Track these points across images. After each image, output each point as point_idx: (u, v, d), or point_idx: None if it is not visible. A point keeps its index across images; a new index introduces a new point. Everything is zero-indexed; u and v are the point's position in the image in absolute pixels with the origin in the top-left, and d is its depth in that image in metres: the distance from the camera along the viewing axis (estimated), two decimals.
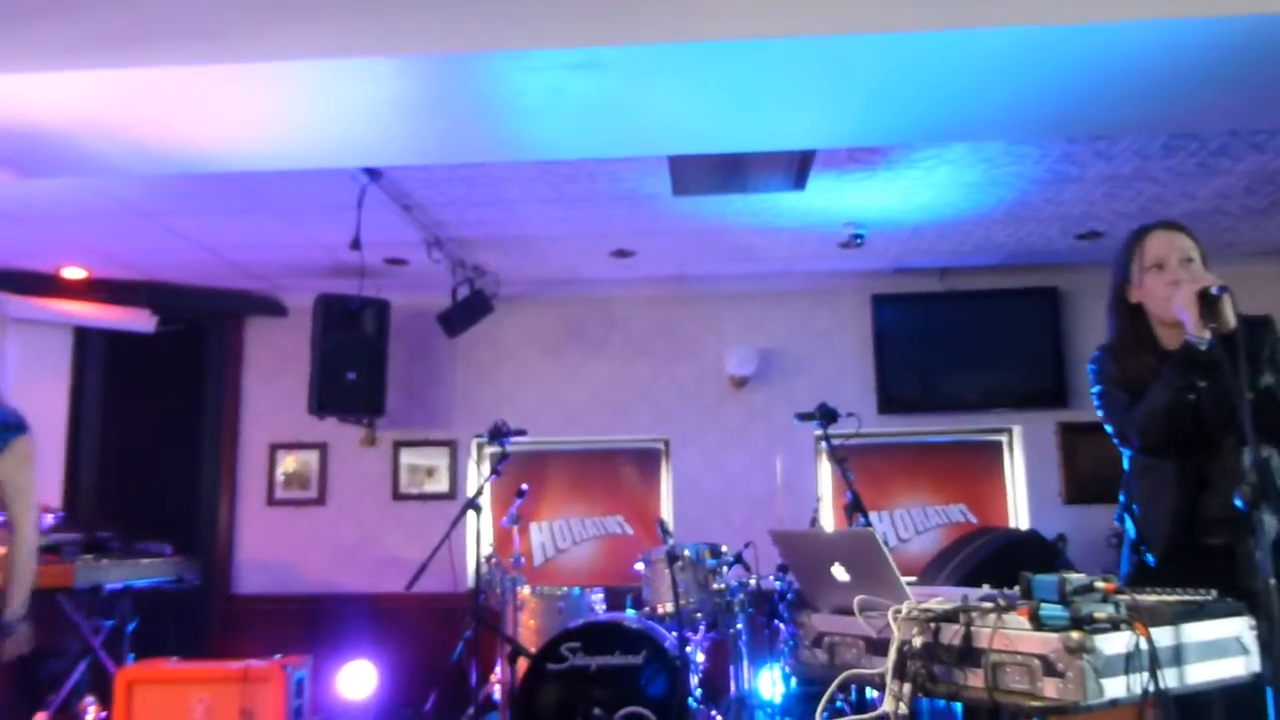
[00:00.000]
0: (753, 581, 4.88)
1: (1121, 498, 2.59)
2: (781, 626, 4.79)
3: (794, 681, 4.74)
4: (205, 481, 6.37)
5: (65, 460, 6.08)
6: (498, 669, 4.89)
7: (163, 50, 2.99)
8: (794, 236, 5.51)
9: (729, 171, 4.44)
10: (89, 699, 5.09)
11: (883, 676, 1.86)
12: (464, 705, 4.85)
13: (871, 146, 4.17)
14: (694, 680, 4.50)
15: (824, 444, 4.54)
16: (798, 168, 4.44)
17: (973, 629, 1.82)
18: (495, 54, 2.96)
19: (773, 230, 5.39)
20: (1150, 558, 2.45)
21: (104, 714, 4.95)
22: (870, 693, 3.39)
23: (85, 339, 6.22)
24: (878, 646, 1.99)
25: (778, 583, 4.86)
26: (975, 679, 1.80)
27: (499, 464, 4.76)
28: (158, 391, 6.40)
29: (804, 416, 4.72)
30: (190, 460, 6.38)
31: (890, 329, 6.28)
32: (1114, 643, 1.71)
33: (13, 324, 5.88)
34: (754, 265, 6.05)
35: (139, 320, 6.10)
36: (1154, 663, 1.71)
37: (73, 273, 5.86)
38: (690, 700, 4.38)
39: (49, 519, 5.01)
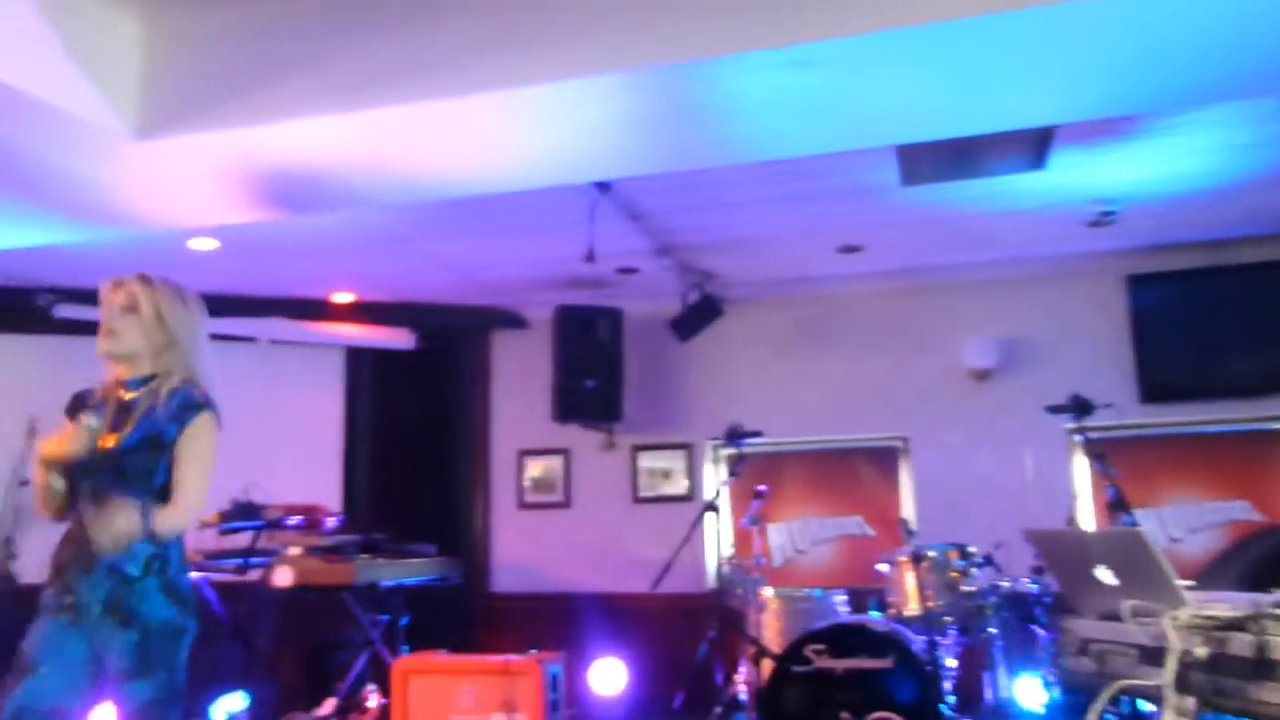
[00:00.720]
0: (1005, 584, 4.64)
1: None
2: (1040, 632, 4.53)
3: (1056, 690, 4.46)
4: (462, 486, 6.79)
5: (342, 468, 6.68)
6: (742, 669, 4.91)
7: (410, 88, 3.23)
8: (1035, 218, 5.20)
9: (961, 156, 4.25)
10: (370, 687, 5.55)
11: (1161, 689, 1.72)
12: (710, 704, 4.91)
13: (1121, 116, 3.87)
14: (945, 686, 4.34)
15: (1079, 437, 4.24)
16: (1036, 145, 4.19)
17: (1268, 638, 1.65)
18: (714, 60, 2.98)
19: (1011, 214, 5.11)
20: None
21: (384, 701, 5.38)
22: (1145, 705, 3.14)
23: (355, 358, 6.80)
24: (1152, 656, 1.84)
25: (1033, 585, 4.60)
26: (1274, 694, 1.63)
27: (736, 465, 4.79)
28: (418, 403, 6.89)
29: (1055, 409, 4.45)
30: (448, 466, 6.83)
31: (1151, 311, 5.78)
32: None
33: (284, 345, 6.52)
34: (991, 252, 5.76)
35: (400, 338, 6.61)
36: None
37: (342, 297, 6.43)
38: (943, 707, 4.23)
39: (331, 522, 5.50)
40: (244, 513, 5.11)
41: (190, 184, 3.89)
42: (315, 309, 6.48)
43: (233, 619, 5.21)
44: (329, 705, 5.18)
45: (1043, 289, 6.02)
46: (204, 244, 5.24)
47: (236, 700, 5.31)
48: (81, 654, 2.52)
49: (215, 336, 6.96)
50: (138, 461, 2.58)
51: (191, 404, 2.66)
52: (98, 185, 3.87)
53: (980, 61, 2.98)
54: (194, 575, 5.16)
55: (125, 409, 2.64)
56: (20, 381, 6.02)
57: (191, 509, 2.61)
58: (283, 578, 4.80)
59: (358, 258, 5.62)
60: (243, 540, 5.20)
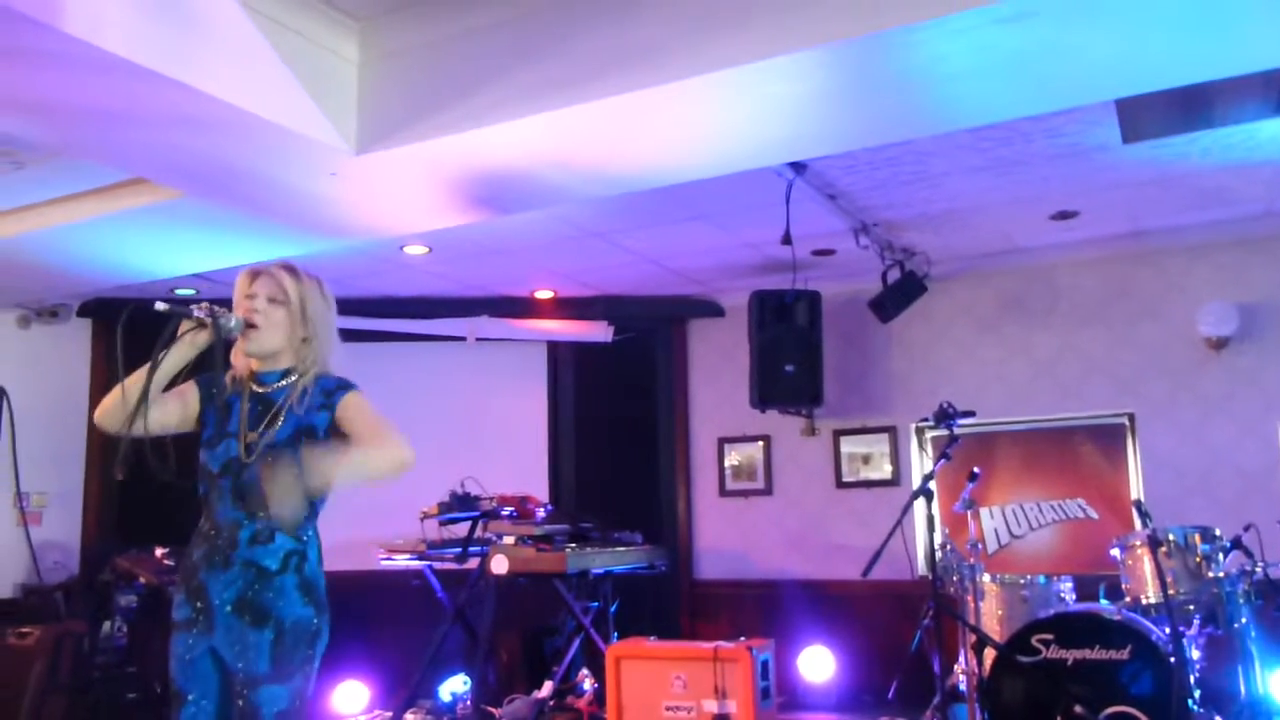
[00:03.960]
0: (1257, 569, 4.25)
1: None
2: None
3: None
4: (663, 474, 6.87)
5: (548, 459, 6.89)
6: (961, 659, 4.72)
7: (608, 82, 3.28)
8: (1278, 171, 4.73)
9: (1190, 106, 3.92)
10: (584, 671, 5.71)
11: None
12: (928, 694, 4.75)
13: None
14: (1190, 680, 4.02)
15: None
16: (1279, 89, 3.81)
17: None
18: (917, 25, 2.87)
19: (1249, 166, 4.67)
20: None
21: (596, 685, 5.52)
22: None
23: (557, 352, 7.01)
24: None
25: None
26: None
27: (948, 447, 4.60)
28: (618, 394, 7.03)
29: None
30: (649, 455, 6.92)
31: None
32: None
33: (491, 343, 6.79)
34: (1227, 210, 5.28)
35: (598, 331, 6.75)
36: None
37: (543, 294, 6.64)
38: (1190, 702, 3.92)
39: (541, 512, 5.70)
40: (461, 504, 5.36)
41: (405, 193, 4.11)
42: (519, 306, 6.72)
43: (454, 605, 5.48)
44: (547, 688, 5.35)
45: None
46: (415, 250, 5.53)
47: (460, 682, 5.60)
48: (211, 668, 2.39)
49: (428, 337, 7.30)
50: (290, 456, 2.40)
51: (333, 388, 2.50)
52: (323, 199, 4.15)
53: None
54: (418, 563, 5.53)
55: (264, 403, 2.48)
56: None
57: (400, 443, 2.40)
58: (499, 565, 4.98)
59: (557, 254, 5.78)
60: (461, 530, 5.47)
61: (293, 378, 2.51)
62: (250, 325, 2.47)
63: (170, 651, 2.42)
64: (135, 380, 2.39)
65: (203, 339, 2.44)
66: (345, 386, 2.52)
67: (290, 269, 2.53)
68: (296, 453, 2.41)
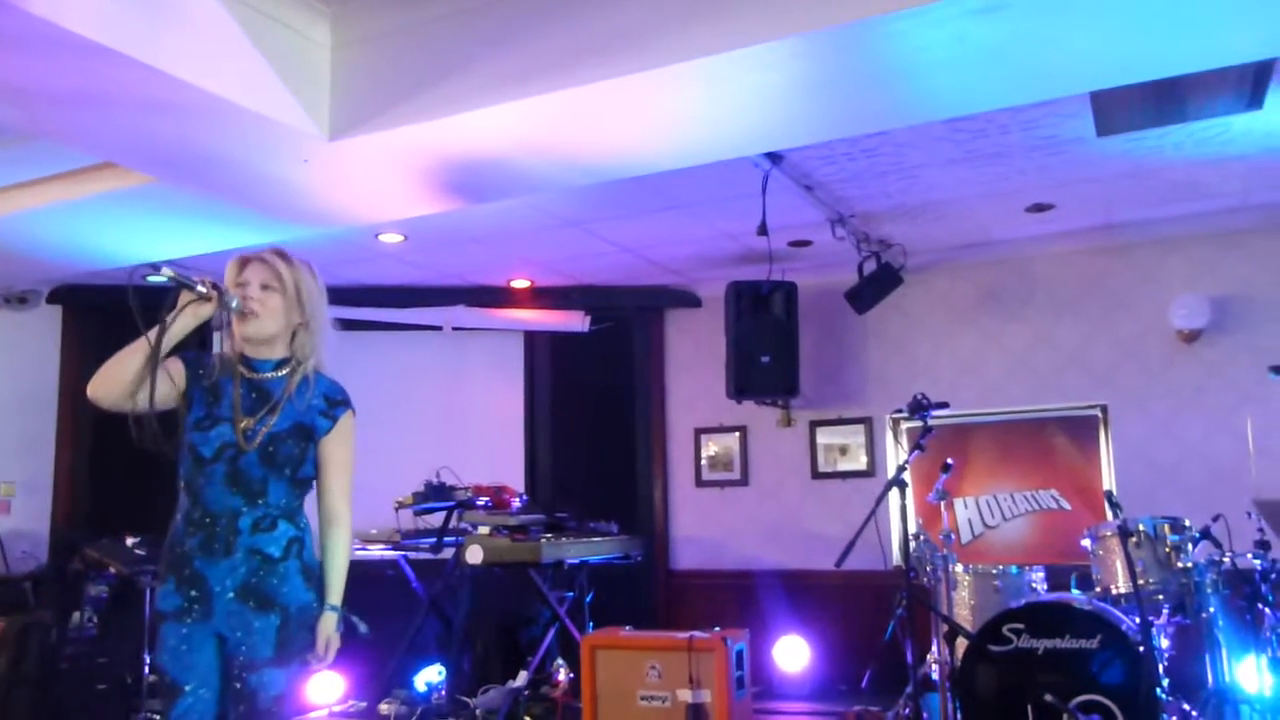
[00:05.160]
0: (1225, 559, 4.30)
1: None
2: (1267, 611, 4.17)
3: None
4: (640, 465, 6.86)
5: (524, 449, 6.87)
6: (934, 648, 4.75)
7: (584, 70, 3.26)
8: (1250, 165, 4.77)
9: (1164, 100, 3.94)
10: (559, 661, 5.70)
11: None
12: (901, 683, 4.78)
13: None
14: (1159, 669, 4.06)
15: None
16: (1251, 84, 3.83)
17: None
18: (894, 14, 2.86)
19: (1222, 160, 4.70)
20: None
21: (571, 675, 5.52)
22: None
23: (533, 342, 6.98)
24: None
25: (1257, 561, 4.25)
26: None
27: (922, 438, 4.62)
28: (594, 384, 7.01)
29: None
30: (626, 445, 6.91)
31: None
32: None
33: (467, 332, 6.75)
34: (1199, 203, 5.32)
35: (574, 321, 6.73)
36: None
37: (519, 283, 6.61)
38: (1158, 690, 3.95)
39: (516, 502, 5.68)
40: (436, 494, 5.34)
41: (379, 180, 4.07)
42: (495, 296, 6.68)
43: (429, 595, 5.46)
44: (522, 678, 5.34)
45: (1260, 242, 5.53)
46: (390, 238, 5.49)
47: (435, 672, 5.58)
48: (213, 655, 2.39)
49: (404, 326, 7.25)
50: (290, 449, 2.44)
51: (338, 399, 2.55)
52: (296, 186, 4.11)
53: None
54: (393, 553, 5.50)
55: (259, 391, 2.47)
56: None
57: (350, 526, 2.55)
58: (474, 556, 4.97)
59: (533, 243, 5.75)
60: (436, 520, 5.45)
61: (287, 369, 2.50)
62: (247, 313, 2.45)
63: (160, 644, 2.39)
64: (132, 352, 2.34)
65: (205, 311, 2.41)
66: (346, 403, 2.56)
67: (281, 254, 2.51)
68: (295, 446, 2.45)
